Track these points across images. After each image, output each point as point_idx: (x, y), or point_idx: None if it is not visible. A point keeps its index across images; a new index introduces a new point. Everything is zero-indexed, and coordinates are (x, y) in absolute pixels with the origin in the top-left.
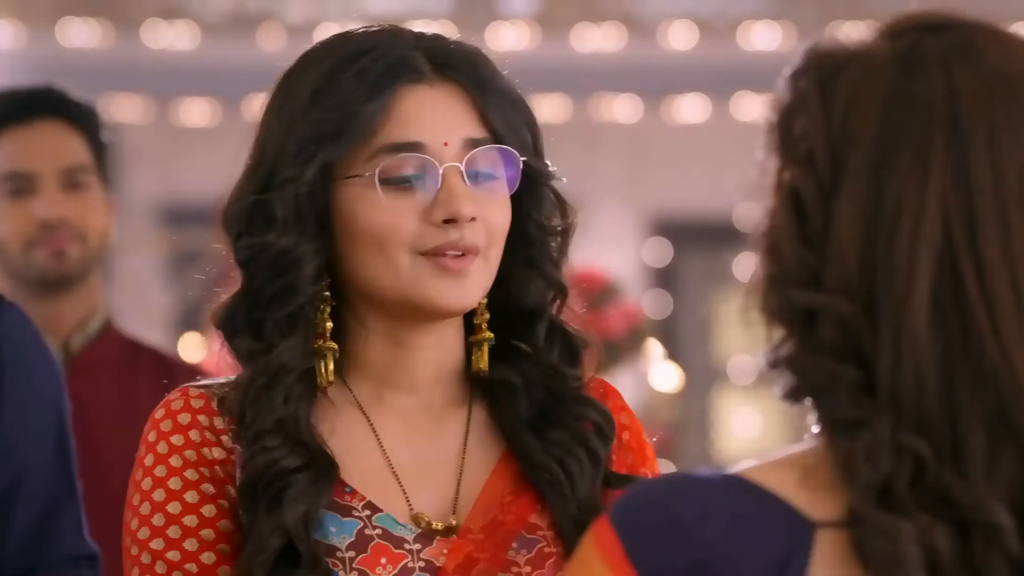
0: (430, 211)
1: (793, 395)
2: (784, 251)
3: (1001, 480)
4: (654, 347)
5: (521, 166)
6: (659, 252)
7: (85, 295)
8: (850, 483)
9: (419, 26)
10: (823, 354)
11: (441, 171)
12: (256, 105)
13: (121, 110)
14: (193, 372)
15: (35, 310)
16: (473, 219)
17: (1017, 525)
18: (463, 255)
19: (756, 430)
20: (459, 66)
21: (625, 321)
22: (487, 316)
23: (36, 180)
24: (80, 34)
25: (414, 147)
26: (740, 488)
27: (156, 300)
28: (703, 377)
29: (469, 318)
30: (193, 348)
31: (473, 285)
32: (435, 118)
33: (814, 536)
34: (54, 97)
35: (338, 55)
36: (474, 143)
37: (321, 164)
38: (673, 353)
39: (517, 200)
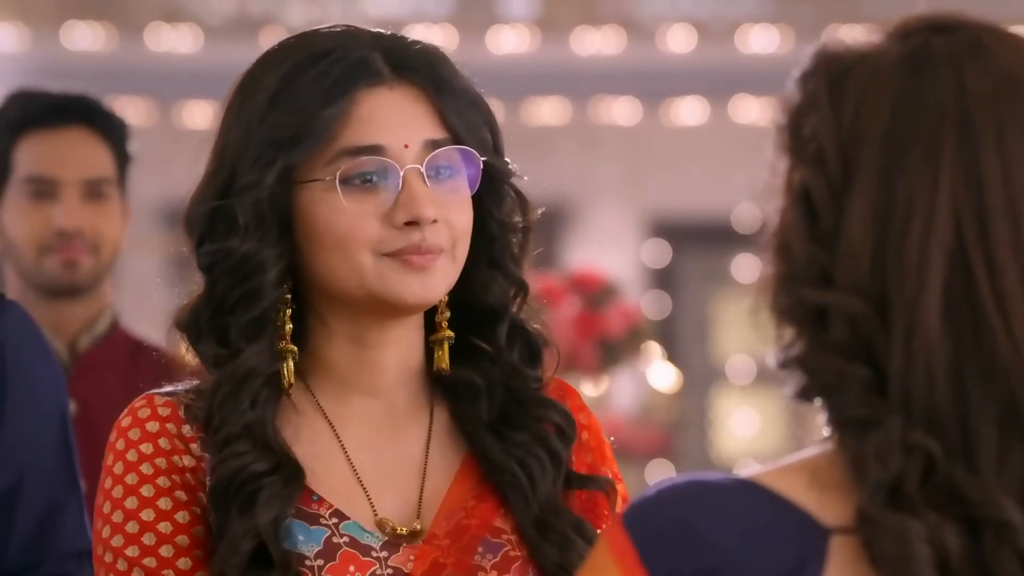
0: (392, 214)
1: (803, 395)
2: (795, 250)
3: (1012, 477)
4: (653, 347)
5: (481, 166)
6: (658, 253)
7: (95, 300)
8: (860, 483)
9: (420, 29)
10: (833, 353)
11: (402, 173)
12: None
13: (124, 112)
14: (197, 371)
15: (44, 311)
16: (435, 221)
17: None
18: (429, 254)
19: (754, 430)
20: (418, 67)
21: (624, 322)
22: (447, 314)
23: (58, 187)
24: (83, 37)
25: (374, 150)
26: (753, 493)
27: (157, 301)
28: (701, 377)
29: (430, 317)
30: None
31: (438, 280)
32: (395, 120)
33: (828, 542)
34: (87, 106)
35: (296, 58)
36: (434, 144)
37: (281, 169)
38: (672, 353)
39: (478, 199)
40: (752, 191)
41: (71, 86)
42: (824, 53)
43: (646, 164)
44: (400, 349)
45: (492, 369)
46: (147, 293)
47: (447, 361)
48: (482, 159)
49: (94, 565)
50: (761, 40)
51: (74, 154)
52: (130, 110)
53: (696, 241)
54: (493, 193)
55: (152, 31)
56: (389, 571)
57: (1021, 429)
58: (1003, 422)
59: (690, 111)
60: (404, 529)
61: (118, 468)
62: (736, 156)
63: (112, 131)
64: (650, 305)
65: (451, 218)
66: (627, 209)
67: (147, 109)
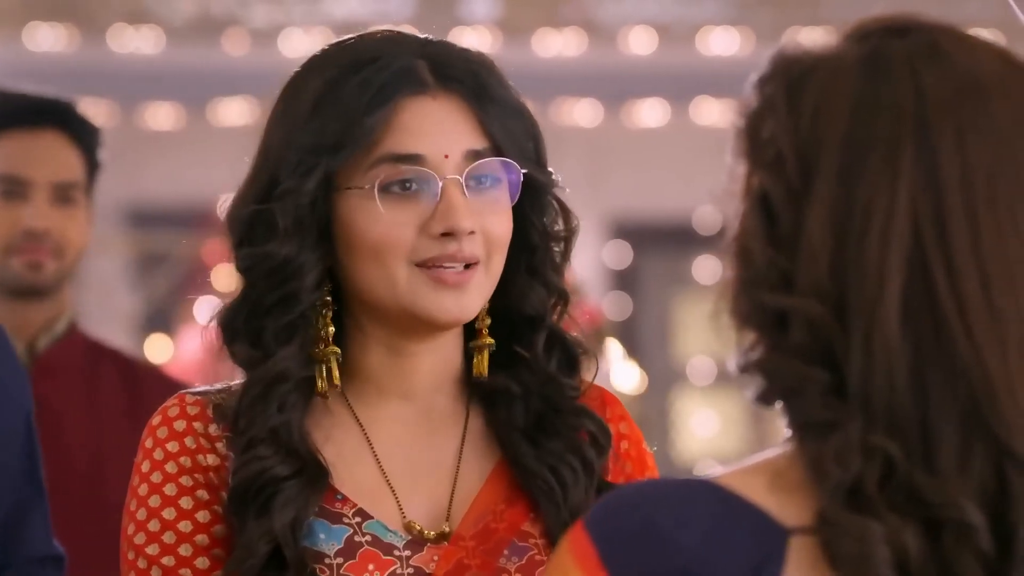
0: (429, 224)
1: (764, 398)
2: (754, 254)
3: (972, 478)
4: (614, 348)
5: (522, 177)
6: (619, 254)
7: (56, 302)
8: (820, 485)
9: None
10: (793, 356)
11: (441, 184)
12: (221, 109)
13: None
14: (155, 373)
15: (4, 311)
16: (472, 232)
17: (988, 523)
18: (465, 268)
19: (714, 430)
20: (461, 76)
21: (586, 322)
22: (488, 321)
23: (29, 188)
24: (47, 39)
25: (414, 159)
26: (714, 494)
27: (122, 301)
28: (662, 378)
29: (470, 323)
30: (159, 349)
31: (473, 296)
32: (436, 130)
33: (787, 543)
34: (62, 109)
35: (341, 64)
36: (475, 154)
37: (322, 174)
38: (633, 354)
39: (519, 209)
40: (713, 193)
41: (34, 88)
42: (781, 57)
43: (607, 166)
44: (437, 357)
45: (530, 377)
46: (109, 294)
47: (486, 368)
48: (524, 171)
49: (120, 563)
50: (722, 43)
51: (46, 156)
52: (93, 111)
53: (657, 242)
54: (534, 203)
55: (115, 33)
56: (410, 570)
57: (981, 431)
58: (963, 424)
59: (651, 113)
60: (431, 532)
61: (145, 466)
62: (697, 158)
63: (85, 137)
64: (611, 306)
65: (489, 228)
66: (588, 210)
67: (110, 110)
